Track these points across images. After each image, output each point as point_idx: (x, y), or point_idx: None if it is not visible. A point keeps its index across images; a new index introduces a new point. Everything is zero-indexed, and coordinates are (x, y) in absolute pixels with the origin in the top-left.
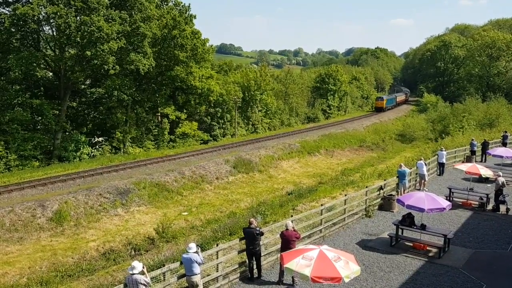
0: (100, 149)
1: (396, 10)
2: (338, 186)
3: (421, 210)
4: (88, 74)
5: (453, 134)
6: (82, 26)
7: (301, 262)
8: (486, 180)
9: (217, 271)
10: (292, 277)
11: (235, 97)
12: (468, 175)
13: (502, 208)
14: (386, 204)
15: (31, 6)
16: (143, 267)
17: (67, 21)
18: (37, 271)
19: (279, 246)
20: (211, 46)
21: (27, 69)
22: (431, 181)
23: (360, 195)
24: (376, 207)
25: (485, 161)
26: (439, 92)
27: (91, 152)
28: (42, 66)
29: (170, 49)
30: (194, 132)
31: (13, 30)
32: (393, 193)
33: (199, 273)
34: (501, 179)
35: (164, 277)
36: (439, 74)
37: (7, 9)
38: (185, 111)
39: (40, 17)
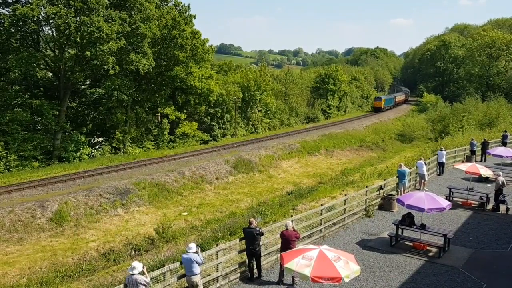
0: (100, 149)
1: (395, 10)
2: (338, 186)
3: (421, 210)
4: (88, 74)
5: (453, 134)
6: (81, 27)
7: (301, 262)
8: (486, 179)
9: (217, 271)
10: (292, 277)
11: (235, 97)
12: (468, 174)
13: (502, 207)
14: (386, 204)
15: (31, 6)
16: (143, 267)
17: (66, 21)
18: (37, 271)
19: (279, 246)
20: (211, 46)
21: (26, 69)
22: (431, 181)
23: (360, 195)
24: (376, 207)
25: (485, 161)
26: (439, 92)
27: (91, 153)
28: (41, 66)
29: (170, 49)
30: (194, 132)
31: (12, 30)
32: (393, 193)
33: (199, 273)
34: (501, 179)
35: (164, 277)
36: (439, 74)
37: (7, 9)
38: (185, 111)
39: (40, 17)
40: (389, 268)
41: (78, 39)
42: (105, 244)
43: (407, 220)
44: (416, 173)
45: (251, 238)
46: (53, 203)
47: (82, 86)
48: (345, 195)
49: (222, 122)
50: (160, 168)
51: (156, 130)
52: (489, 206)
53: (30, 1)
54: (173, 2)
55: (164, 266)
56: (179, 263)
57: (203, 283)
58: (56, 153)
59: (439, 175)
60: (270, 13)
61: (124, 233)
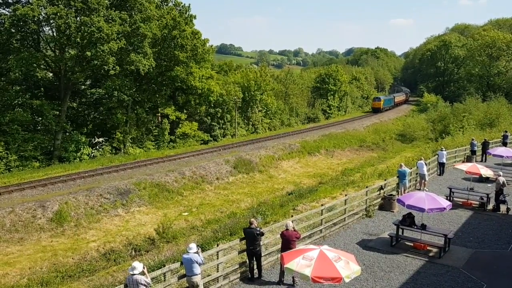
0: (100, 149)
1: (396, 10)
2: (339, 186)
3: (422, 210)
4: (88, 74)
5: (453, 134)
6: (82, 27)
7: (302, 262)
8: (486, 180)
9: (217, 272)
10: (293, 277)
11: (235, 97)
12: (468, 175)
13: (503, 208)
14: (386, 204)
15: (31, 6)
16: (144, 268)
17: (67, 21)
18: (37, 271)
19: (279, 246)
20: (211, 46)
21: (27, 69)
22: (431, 181)
23: (360, 195)
24: (377, 207)
25: (485, 161)
26: (439, 92)
27: (92, 153)
28: (42, 66)
29: (170, 50)
30: (194, 132)
31: (13, 30)
32: (394, 193)
33: (199, 274)
34: (502, 179)
35: (164, 278)
36: (439, 74)
37: (7, 9)
38: (185, 111)
39: (40, 17)
40: (390, 268)
41: (78, 39)
42: (106, 244)
43: (408, 220)
44: (417, 173)
45: (251, 238)
46: (54, 203)
47: (83, 86)
48: (346, 195)
49: (223, 122)
50: (161, 168)
51: (156, 130)
52: (490, 206)
53: (30, 2)
54: (173, 2)
55: (164, 266)
56: (179, 263)
57: (203, 283)
58: (57, 153)
59: (439, 175)
60: (270, 13)
61: (124, 233)
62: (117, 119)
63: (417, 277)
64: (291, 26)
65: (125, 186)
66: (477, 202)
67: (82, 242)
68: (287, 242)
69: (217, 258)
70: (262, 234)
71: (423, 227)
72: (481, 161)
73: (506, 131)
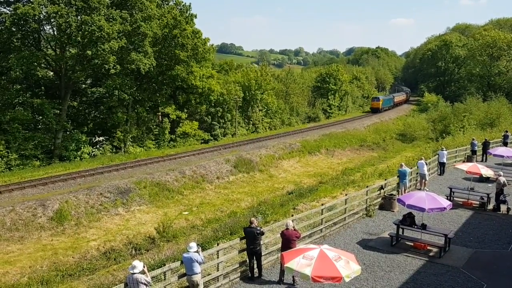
0: (100, 148)
1: (396, 10)
2: (339, 185)
3: (422, 209)
4: (89, 73)
5: (454, 134)
6: (83, 26)
7: (302, 262)
8: (487, 179)
9: (217, 271)
10: (293, 277)
11: (235, 97)
12: (468, 174)
13: (503, 207)
14: (386, 204)
15: (32, 5)
16: (144, 267)
17: (67, 20)
18: (38, 270)
19: (279, 245)
20: (212, 45)
21: (28, 68)
22: (431, 180)
23: (360, 194)
24: (377, 207)
25: (486, 161)
26: (440, 92)
27: (92, 152)
28: (43, 65)
29: (171, 49)
30: (195, 131)
31: (14, 29)
32: (394, 192)
33: (199, 273)
34: (502, 179)
35: (164, 277)
36: (440, 74)
37: (8, 8)
38: (185, 110)
39: (41, 16)
40: (390, 268)
41: (79, 38)
42: (106, 243)
43: (408, 220)
44: (417, 173)
45: (251, 238)
46: (54, 202)
47: (83, 85)
48: (346, 194)
49: (223, 121)
50: (161, 167)
51: (157, 129)
52: (490, 206)
53: (31, 0)
54: (174, 1)
55: (164, 265)
56: (179, 262)
57: (203, 282)
58: (57, 152)
59: (440, 175)
60: (270, 13)
61: (124, 232)
62: (118, 118)
63: (417, 276)
64: (292, 26)
65: (126, 185)
66: (478, 202)
67: (83, 241)
68: (287, 241)
69: (217, 257)
70: (262, 233)
71: (424, 226)
72: (482, 161)
73: (506, 131)
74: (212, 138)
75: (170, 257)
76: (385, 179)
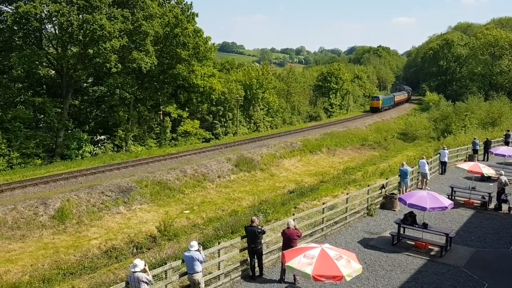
0: (102, 147)
1: (398, 9)
2: (340, 184)
3: (423, 209)
4: (90, 72)
5: (455, 133)
6: (84, 24)
7: (303, 261)
8: (488, 179)
9: (218, 269)
10: (294, 276)
11: (237, 96)
12: (470, 174)
13: (504, 207)
14: (388, 203)
15: (34, 4)
16: (145, 265)
17: (69, 19)
18: (39, 268)
19: (280, 244)
20: (213, 44)
21: (29, 67)
22: (433, 180)
23: (362, 193)
24: (378, 206)
25: (487, 160)
26: (441, 91)
27: (93, 150)
28: (44, 64)
29: (172, 47)
30: (196, 130)
31: (15, 28)
32: (395, 191)
33: (200, 271)
34: (504, 178)
35: (166, 275)
36: (442, 73)
37: (10, 7)
38: (187, 109)
39: (43, 15)
40: (391, 267)
41: (80, 37)
42: (107, 241)
43: (409, 219)
44: (418, 172)
45: (253, 237)
46: (55, 200)
47: (85, 84)
48: (347, 193)
49: (224, 120)
50: (162, 166)
51: (158, 128)
52: (491, 206)
53: None
54: (175, 0)
55: (166, 264)
56: (181, 261)
57: (204, 281)
58: (59, 151)
59: (441, 174)
60: (272, 11)
61: (126, 231)
62: (119, 117)
63: (418, 276)
64: (293, 25)
65: (127, 183)
66: (479, 201)
67: (84, 240)
68: (289, 240)
69: (219, 256)
70: (264, 232)
71: (425, 226)
72: (483, 160)
73: (508, 130)
74: (213, 137)
75: (171, 255)
76: (387, 178)
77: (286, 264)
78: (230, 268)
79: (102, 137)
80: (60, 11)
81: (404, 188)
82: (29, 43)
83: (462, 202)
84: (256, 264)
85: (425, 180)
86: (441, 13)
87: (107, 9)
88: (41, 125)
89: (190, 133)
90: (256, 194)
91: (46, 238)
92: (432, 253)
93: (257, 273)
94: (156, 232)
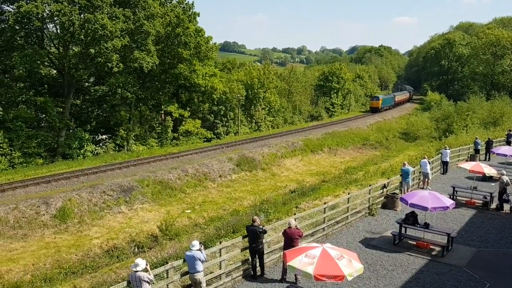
0: (103, 146)
1: (399, 9)
2: (341, 184)
3: (425, 208)
4: (92, 71)
5: (457, 133)
6: (86, 24)
7: (304, 260)
8: (490, 179)
9: (220, 269)
10: (295, 275)
11: (238, 95)
12: (472, 173)
13: (506, 207)
14: (389, 203)
15: (35, 3)
16: (147, 265)
17: (71, 18)
18: (41, 268)
19: (282, 244)
20: (215, 44)
21: (31, 66)
22: (434, 179)
23: (363, 193)
24: (379, 206)
25: (489, 160)
26: (443, 91)
27: (95, 150)
28: (46, 63)
29: (174, 47)
30: (197, 130)
31: (17, 27)
32: (397, 191)
33: (202, 271)
34: (505, 178)
35: (167, 275)
36: (443, 73)
37: (11, 6)
38: (188, 109)
39: (44, 14)
40: (392, 266)
41: (82, 36)
42: (109, 241)
43: (411, 219)
44: (420, 172)
45: (254, 236)
46: (57, 200)
47: (86, 84)
48: (348, 193)
49: (226, 120)
50: (164, 165)
51: (159, 128)
52: (493, 205)
53: None
54: (177, 0)
55: (167, 263)
56: (182, 260)
57: (206, 281)
58: (60, 150)
59: (443, 174)
60: (273, 11)
61: (127, 230)
62: (121, 117)
63: (419, 275)
64: (295, 24)
65: (128, 183)
66: (481, 201)
67: (85, 239)
68: (290, 240)
69: (220, 256)
70: (265, 232)
71: (426, 225)
72: (485, 160)
73: (510, 130)
74: (214, 136)
75: (172, 255)
76: (388, 178)
77: (287, 263)
78: (232, 268)
79: (104, 136)
80: (62, 11)
81: (406, 188)
82: (30, 42)
83: (464, 202)
84: (258, 264)
85: (426, 180)
86: (442, 13)
87: (108, 9)
88: (42, 124)
89: (192, 133)
90: (258, 193)
91: (48, 238)
92: (434, 253)
93: (259, 273)
94: (158, 231)
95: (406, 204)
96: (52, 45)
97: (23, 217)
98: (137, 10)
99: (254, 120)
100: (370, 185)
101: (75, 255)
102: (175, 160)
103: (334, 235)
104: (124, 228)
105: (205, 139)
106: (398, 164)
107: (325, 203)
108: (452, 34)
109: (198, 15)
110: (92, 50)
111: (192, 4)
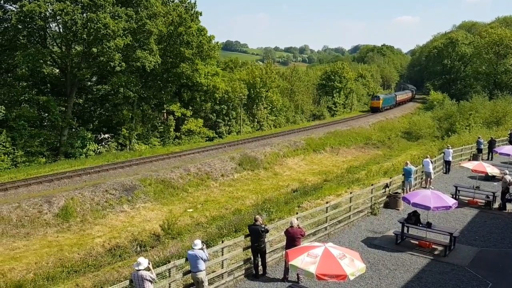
0: (106, 145)
1: (402, 8)
2: (344, 183)
3: (427, 208)
4: (94, 71)
5: (460, 132)
6: (88, 23)
7: (306, 260)
8: (492, 178)
9: (222, 268)
10: (297, 274)
11: (240, 94)
12: (474, 173)
13: (509, 206)
14: (391, 202)
15: (38, 3)
16: (149, 263)
17: (73, 18)
18: (43, 266)
19: (284, 243)
20: (217, 43)
21: (33, 66)
22: (437, 179)
23: (365, 192)
24: (382, 205)
25: (491, 159)
26: (445, 90)
27: (97, 149)
28: (48, 63)
29: (176, 46)
30: (200, 129)
31: (20, 27)
32: (399, 191)
33: (204, 270)
34: (508, 177)
35: (169, 274)
36: (446, 72)
37: (14, 6)
38: (190, 108)
39: (47, 14)
40: (395, 266)
41: (84, 35)
42: (111, 240)
43: (413, 218)
44: (422, 171)
45: (256, 235)
46: (60, 199)
47: (89, 83)
48: (351, 193)
49: (228, 119)
50: (166, 164)
51: (162, 127)
52: (496, 205)
53: None
54: None
55: (169, 262)
56: (184, 259)
57: (208, 280)
58: (63, 149)
59: (445, 173)
60: (275, 10)
61: (129, 229)
62: (123, 116)
63: (422, 275)
64: (297, 23)
65: (131, 182)
66: (483, 201)
67: (88, 238)
68: (292, 239)
69: (222, 255)
70: (267, 231)
71: (429, 225)
72: (488, 159)
73: None
74: (216, 135)
75: (174, 254)
76: (390, 177)
77: (289, 263)
78: (234, 267)
79: (106, 135)
80: (64, 10)
81: (408, 187)
82: (33, 41)
83: (466, 201)
84: (260, 263)
85: (429, 179)
86: (445, 12)
87: (111, 8)
88: (45, 123)
89: (194, 132)
90: (260, 193)
91: (50, 236)
92: (436, 252)
93: (261, 272)
94: (160, 230)
95: (408, 203)
96: (54, 44)
97: (25, 216)
98: (139, 9)
99: (256, 119)
100: (372, 185)
101: (78, 254)
102: (177, 159)
103: (336, 235)
104: (126, 227)
105: (207, 138)
106: (400, 163)
107: (327, 202)
108: (454, 34)
109: (201, 14)
110: (95, 49)
111: (195, 3)
